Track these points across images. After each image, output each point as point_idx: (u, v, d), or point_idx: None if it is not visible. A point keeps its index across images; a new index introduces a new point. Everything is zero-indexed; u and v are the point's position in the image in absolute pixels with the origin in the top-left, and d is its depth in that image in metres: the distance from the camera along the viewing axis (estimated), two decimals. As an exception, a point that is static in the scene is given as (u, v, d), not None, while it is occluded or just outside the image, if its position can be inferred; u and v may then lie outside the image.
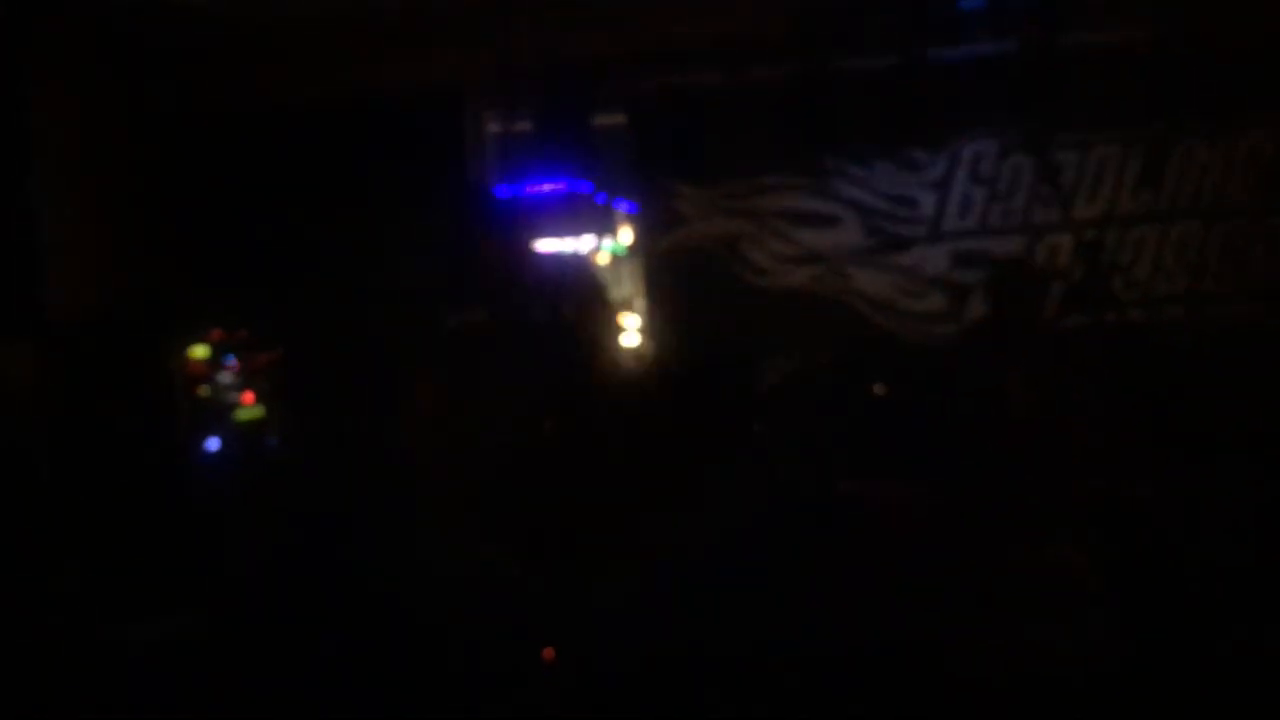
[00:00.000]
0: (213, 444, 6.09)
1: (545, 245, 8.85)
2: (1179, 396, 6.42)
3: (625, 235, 9.36)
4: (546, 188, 8.56)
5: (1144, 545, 5.21)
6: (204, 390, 6.14)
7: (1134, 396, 6.38)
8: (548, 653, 4.95)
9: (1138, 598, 4.87)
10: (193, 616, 4.90)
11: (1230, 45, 7.27)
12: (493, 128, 8.13)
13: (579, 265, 8.46)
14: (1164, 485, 5.77)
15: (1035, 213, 7.90)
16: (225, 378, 6.35)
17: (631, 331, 8.97)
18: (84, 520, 5.38)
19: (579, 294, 7.61)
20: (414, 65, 7.17)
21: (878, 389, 7.53)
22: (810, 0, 7.08)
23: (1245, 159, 7.75)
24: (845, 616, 4.83)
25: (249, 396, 6.32)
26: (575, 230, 9.08)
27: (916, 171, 8.02)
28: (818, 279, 8.12)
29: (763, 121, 7.65)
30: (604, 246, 9.35)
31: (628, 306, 9.67)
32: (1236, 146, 7.73)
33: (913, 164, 8.02)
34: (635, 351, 8.61)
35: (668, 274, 8.26)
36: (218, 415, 6.23)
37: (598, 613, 5.03)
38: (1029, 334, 6.63)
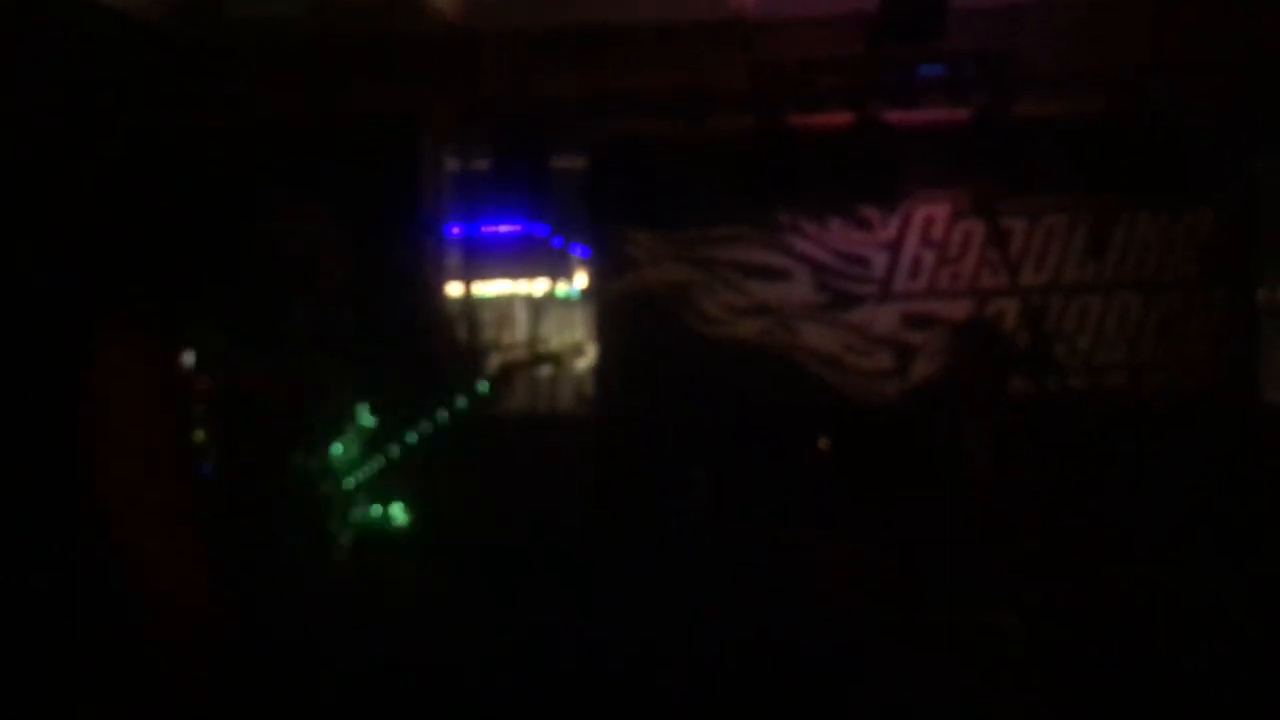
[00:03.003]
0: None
1: (495, 286, 8.88)
2: (1118, 463, 6.50)
3: (579, 279, 9.39)
4: (502, 228, 8.57)
5: (1082, 612, 5.25)
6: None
7: (1074, 461, 6.45)
8: None
9: (1073, 663, 4.90)
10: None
11: (1176, 123, 7.45)
12: (451, 164, 8.13)
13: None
14: (1103, 551, 5.82)
15: (983, 277, 8.02)
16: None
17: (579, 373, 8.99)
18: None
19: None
20: (371, 96, 7.17)
21: (821, 444, 7.55)
22: (769, 56, 7.17)
23: (1185, 234, 7.93)
24: (779, 661, 4.82)
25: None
26: (529, 272, 9.10)
27: (869, 230, 8.11)
28: (766, 331, 8.17)
29: (718, 172, 7.71)
30: (556, 289, 9.38)
31: (578, 349, 9.69)
32: (1177, 221, 7.92)
33: (865, 223, 8.11)
34: (581, 393, 8.61)
35: (618, 319, 8.27)
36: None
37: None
38: (989, 397, 6.69)
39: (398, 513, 6.16)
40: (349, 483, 6.03)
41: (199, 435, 5.69)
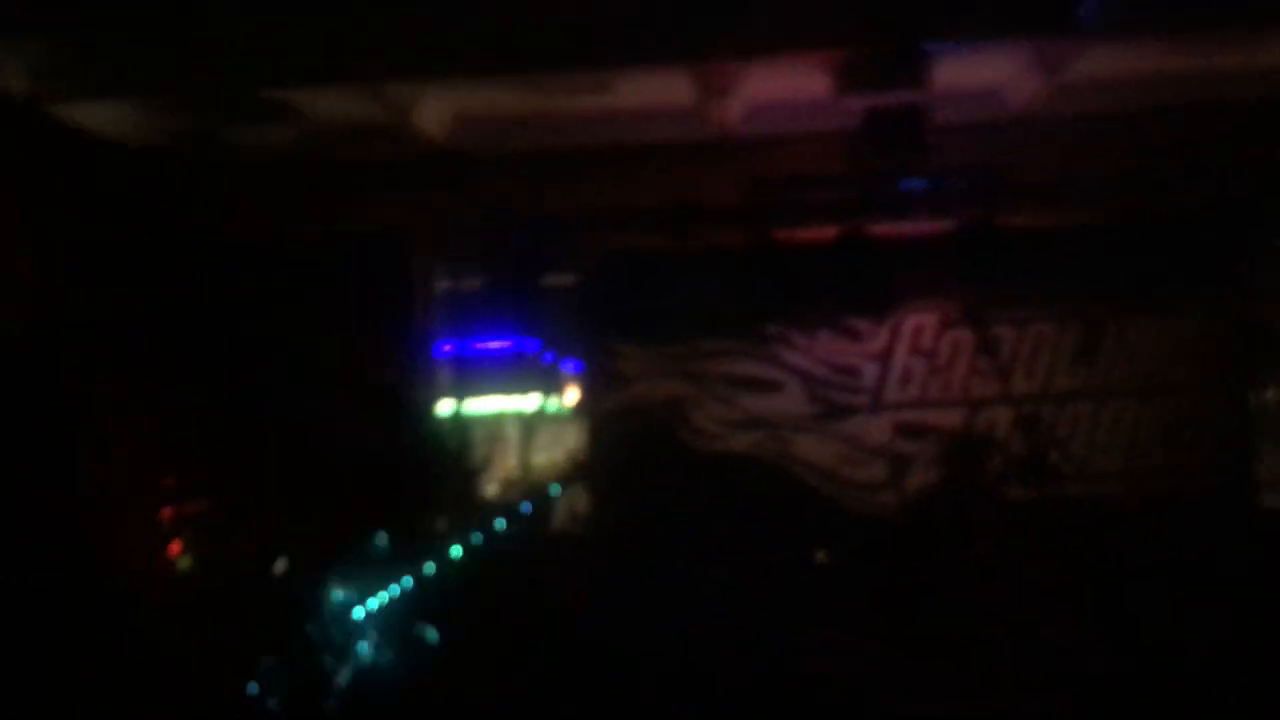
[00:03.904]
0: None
1: (487, 403, 8.85)
2: (1116, 569, 6.42)
3: (571, 395, 9.37)
4: (493, 345, 8.59)
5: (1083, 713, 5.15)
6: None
7: (1071, 568, 6.37)
8: None
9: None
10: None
11: (1163, 230, 7.54)
12: (442, 283, 8.17)
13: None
14: (1103, 653, 5.73)
15: (975, 386, 8.02)
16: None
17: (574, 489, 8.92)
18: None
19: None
20: (362, 218, 7.24)
21: (819, 557, 7.47)
22: (757, 172, 7.26)
23: (1176, 339, 7.95)
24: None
25: (176, 546, 6.12)
26: (521, 388, 9.08)
27: (858, 341, 8.14)
28: (760, 444, 8.14)
29: (708, 286, 7.78)
30: (548, 405, 9.36)
31: (573, 465, 9.62)
32: (1168, 326, 7.95)
33: (854, 334, 8.15)
34: (574, 509, 8.52)
35: (610, 434, 8.24)
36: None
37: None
38: (983, 504, 6.66)
39: (429, 634, 5.95)
40: (356, 613, 5.85)
41: (186, 561, 5.60)
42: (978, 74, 6.28)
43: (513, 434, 9.41)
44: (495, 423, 9.21)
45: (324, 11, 5.33)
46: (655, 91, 6.38)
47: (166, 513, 5.73)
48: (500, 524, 6.38)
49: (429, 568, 6.13)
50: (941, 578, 6.30)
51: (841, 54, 5.89)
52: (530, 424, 9.40)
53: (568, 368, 9.12)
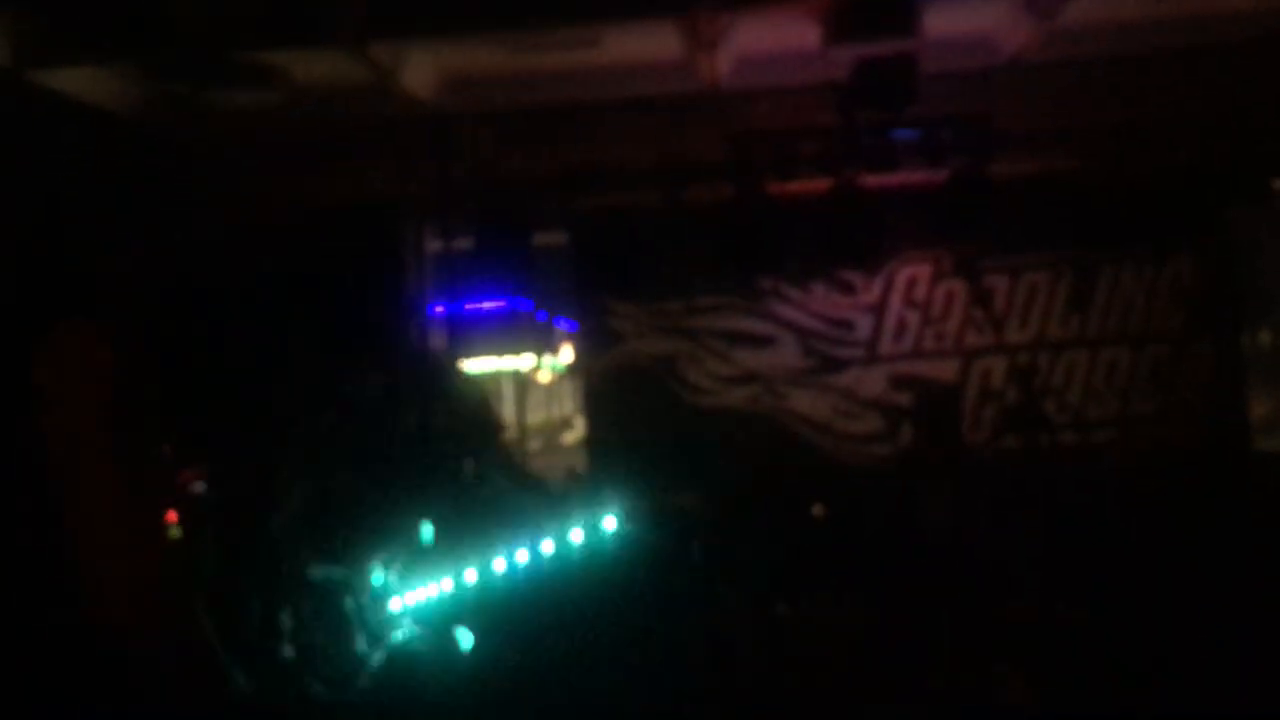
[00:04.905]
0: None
1: (482, 362, 8.85)
2: (1110, 518, 6.44)
3: (565, 353, 9.38)
4: (486, 305, 8.57)
5: (1079, 667, 5.18)
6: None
7: (1066, 518, 6.39)
8: None
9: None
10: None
11: (1152, 177, 7.49)
12: (433, 244, 8.14)
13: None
14: (1096, 606, 5.76)
15: (968, 336, 8.02)
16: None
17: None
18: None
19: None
20: (351, 181, 7.20)
21: (816, 510, 7.49)
22: (747, 126, 7.20)
23: (1168, 286, 7.94)
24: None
25: (171, 515, 6.11)
26: (515, 347, 9.09)
27: (852, 294, 8.12)
28: (755, 399, 8.15)
29: (699, 242, 7.74)
30: (543, 363, 9.36)
31: (567, 423, 9.63)
32: (1160, 274, 7.94)
33: (848, 286, 8.13)
34: (571, 469, 8.55)
35: (606, 392, 8.24)
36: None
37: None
38: (953, 459, 6.67)
39: (461, 636, 5.86)
40: (395, 603, 5.76)
41: (175, 531, 5.57)
42: (967, 21, 6.22)
43: (508, 392, 9.44)
44: (490, 380, 9.22)
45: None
46: (643, 45, 6.31)
47: (161, 480, 5.70)
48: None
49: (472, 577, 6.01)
50: (933, 530, 6.31)
51: (829, 2, 5.83)
52: (525, 382, 9.41)
53: (562, 325, 9.11)
